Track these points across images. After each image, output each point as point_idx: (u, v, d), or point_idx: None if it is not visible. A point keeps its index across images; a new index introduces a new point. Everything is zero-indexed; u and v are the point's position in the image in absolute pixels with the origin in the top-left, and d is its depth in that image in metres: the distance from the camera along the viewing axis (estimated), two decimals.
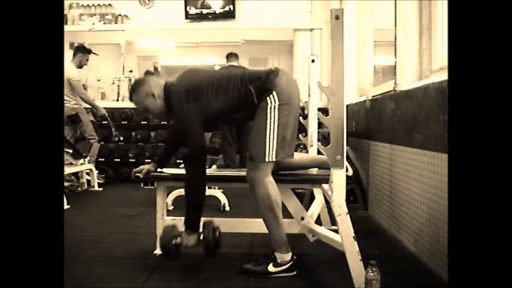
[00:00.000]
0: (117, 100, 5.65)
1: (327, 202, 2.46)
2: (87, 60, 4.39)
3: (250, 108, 1.95)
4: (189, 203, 1.95)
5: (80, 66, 4.36)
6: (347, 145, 1.96)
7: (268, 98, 1.90)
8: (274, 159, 1.90)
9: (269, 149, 1.88)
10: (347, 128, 1.81)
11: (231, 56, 4.32)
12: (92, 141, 4.30)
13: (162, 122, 4.67)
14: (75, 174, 4.38)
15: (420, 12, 2.48)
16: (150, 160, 2.70)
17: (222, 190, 3.44)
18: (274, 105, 1.89)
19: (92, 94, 5.50)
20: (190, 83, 1.97)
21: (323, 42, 5.35)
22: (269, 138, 1.88)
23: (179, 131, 2.07)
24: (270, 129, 1.89)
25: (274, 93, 1.90)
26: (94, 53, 4.45)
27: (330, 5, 4.82)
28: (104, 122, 4.65)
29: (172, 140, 2.27)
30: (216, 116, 1.99)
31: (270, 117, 1.89)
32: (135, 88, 2.05)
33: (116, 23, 5.50)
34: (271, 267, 1.93)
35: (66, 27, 5.32)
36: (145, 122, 5.10)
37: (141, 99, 2.02)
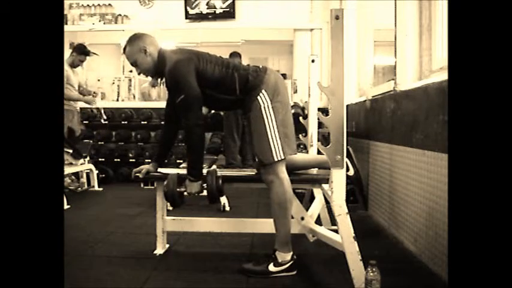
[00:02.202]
0: (117, 100, 5.65)
1: (327, 202, 2.46)
2: (81, 61, 4.27)
3: (230, 93, 1.99)
4: (190, 151, 2.01)
5: (73, 66, 4.30)
6: (348, 145, 1.96)
7: (259, 97, 1.93)
8: (283, 157, 1.93)
9: (275, 148, 1.91)
10: (347, 128, 1.81)
11: (234, 55, 4.33)
12: None
13: (162, 122, 4.66)
14: (75, 174, 4.38)
15: (420, 12, 2.49)
16: (150, 160, 2.72)
17: None
18: (268, 105, 1.93)
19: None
20: (186, 51, 2.06)
21: (323, 42, 5.34)
22: (272, 138, 1.91)
23: (174, 88, 2.01)
24: (270, 129, 1.91)
25: (263, 91, 1.93)
26: (94, 53, 4.42)
27: (330, 5, 4.81)
28: (104, 122, 4.64)
29: (168, 118, 2.23)
30: (202, 84, 1.98)
31: (267, 117, 1.92)
32: (130, 41, 2.06)
33: (116, 23, 5.50)
34: (271, 267, 1.93)
35: (66, 27, 5.31)
36: (145, 122, 5.11)
37: (133, 52, 2.05)
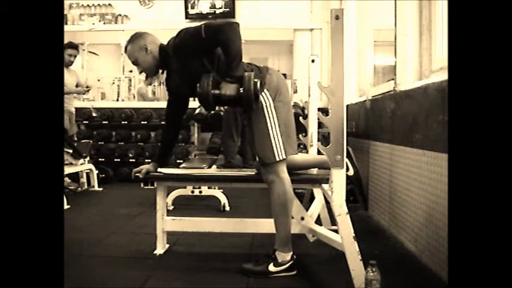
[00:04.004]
0: (117, 100, 5.65)
1: (327, 202, 2.46)
2: (70, 55, 4.21)
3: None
4: (231, 51, 1.96)
5: (65, 65, 4.24)
6: (348, 145, 1.96)
7: (261, 96, 1.92)
8: (284, 157, 1.92)
9: (276, 148, 1.91)
10: (347, 128, 1.81)
11: None
12: None
13: (162, 122, 4.68)
14: (76, 174, 4.38)
15: (420, 12, 2.49)
16: (150, 160, 2.72)
17: (222, 190, 3.44)
18: (269, 104, 1.92)
19: (92, 94, 5.49)
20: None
21: (323, 42, 5.35)
22: (273, 137, 1.91)
23: (193, 43, 1.99)
24: (272, 128, 1.91)
25: (265, 90, 1.93)
26: (94, 53, 4.42)
27: (330, 5, 4.82)
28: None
29: (169, 119, 2.21)
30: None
31: (269, 116, 1.92)
32: (132, 40, 2.08)
33: (116, 23, 5.50)
34: (271, 267, 1.93)
35: (66, 27, 5.31)
36: (145, 122, 5.11)
37: (134, 51, 2.06)
